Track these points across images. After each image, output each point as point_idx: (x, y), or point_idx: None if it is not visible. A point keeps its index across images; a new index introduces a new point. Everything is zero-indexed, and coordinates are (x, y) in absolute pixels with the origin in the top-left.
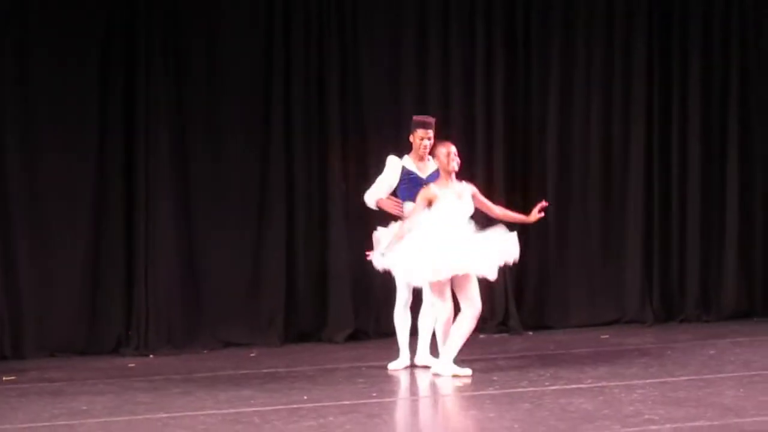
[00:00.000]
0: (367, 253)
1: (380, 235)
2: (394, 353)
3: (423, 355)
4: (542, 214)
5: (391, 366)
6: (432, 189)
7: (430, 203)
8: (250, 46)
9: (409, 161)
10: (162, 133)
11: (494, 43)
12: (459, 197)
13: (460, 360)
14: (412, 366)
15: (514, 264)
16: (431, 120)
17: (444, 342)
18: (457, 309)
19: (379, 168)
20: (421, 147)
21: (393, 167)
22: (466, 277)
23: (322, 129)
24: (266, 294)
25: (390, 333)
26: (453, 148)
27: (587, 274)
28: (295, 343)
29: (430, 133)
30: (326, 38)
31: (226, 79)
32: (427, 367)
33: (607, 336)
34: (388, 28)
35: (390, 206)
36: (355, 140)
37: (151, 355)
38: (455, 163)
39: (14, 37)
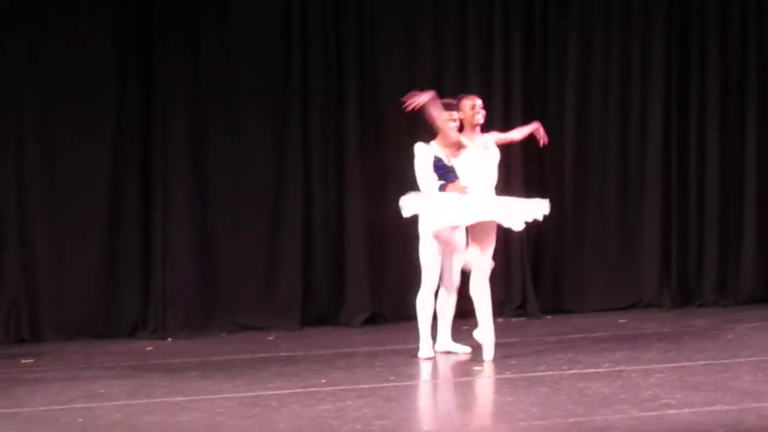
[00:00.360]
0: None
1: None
2: (412, 337)
3: (446, 341)
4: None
5: (420, 354)
6: (460, 137)
7: (458, 148)
8: (267, 29)
9: (436, 147)
10: (179, 116)
11: (512, 32)
12: (485, 148)
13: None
14: (436, 352)
15: (533, 245)
16: (455, 102)
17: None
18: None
19: (396, 152)
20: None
21: (424, 155)
22: (485, 232)
23: (339, 114)
24: (284, 278)
25: (407, 317)
26: (478, 101)
27: (605, 258)
28: (312, 326)
29: (455, 114)
30: (343, 21)
31: (242, 63)
32: (449, 353)
33: (625, 320)
34: (404, 17)
35: (457, 189)
36: (371, 126)
37: (169, 339)
38: (480, 116)
39: (29, 23)
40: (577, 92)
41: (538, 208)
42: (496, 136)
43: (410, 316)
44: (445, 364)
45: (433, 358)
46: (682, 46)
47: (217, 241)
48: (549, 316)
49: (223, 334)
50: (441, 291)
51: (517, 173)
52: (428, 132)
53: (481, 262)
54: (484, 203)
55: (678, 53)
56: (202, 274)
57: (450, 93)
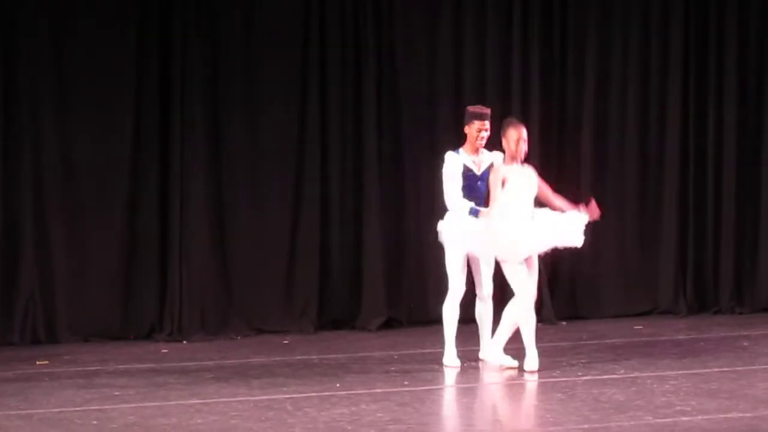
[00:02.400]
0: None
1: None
2: (428, 342)
3: (488, 349)
4: (594, 215)
5: (445, 362)
6: (503, 169)
7: (503, 183)
8: (287, 18)
9: (465, 156)
10: (197, 115)
11: (530, 33)
12: (527, 178)
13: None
14: (477, 359)
15: (548, 251)
16: (487, 111)
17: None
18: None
19: (413, 150)
20: (478, 139)
21: (454, 164)
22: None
23: (357, 118)
24: (300, 281)
25: (423, 321)
26: (524, 133)
27: (621, 264)
28: (328, 330)
29: (487, 124)
30: (362, 15)
31: (262, 62)
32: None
33: (640, 327)
34: (424, 7)
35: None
36: (391, 129)
37: (185, 341)
38: (523, 150)
39: (50, 12)
40: (594, 99)
41: (573, 235)
42: (537, 178)
43: (426, 322)
44: (460, 370)
45: (458, 367)
46: (700, 49)
47: (234, 244)
48: (564, 323)
49: (239, 337)
50: (477, 300)
51: None
52: (458, 139)
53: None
54: (541, 231)
55: (696, 60)
56: (218, 277)
57: (469, 84)
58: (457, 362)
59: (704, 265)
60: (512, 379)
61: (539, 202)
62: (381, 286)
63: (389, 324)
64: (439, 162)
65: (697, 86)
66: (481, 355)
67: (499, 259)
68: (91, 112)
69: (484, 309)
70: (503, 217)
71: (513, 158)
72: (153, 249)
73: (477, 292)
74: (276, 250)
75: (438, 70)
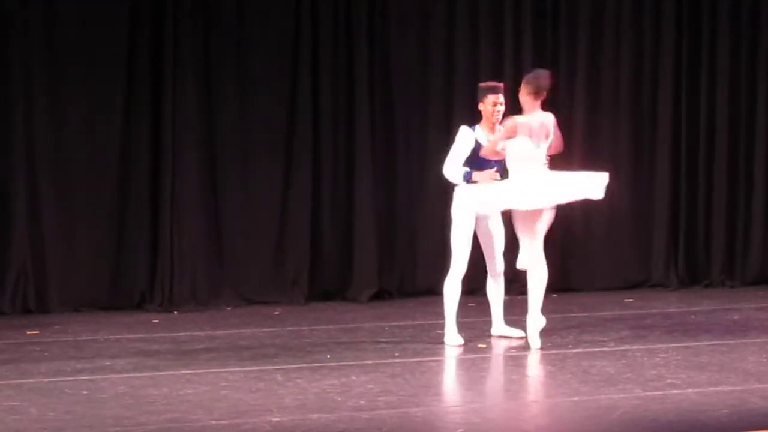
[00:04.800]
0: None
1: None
2: (418, 313)
3: (499, 325)
4: None
5: (446, 341)
6: (516, 119)
7: (513, 134)
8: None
9: (480, 132)
10: (189, 89)
11: (523, 20)
12: (541, 123)
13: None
14: (490, 336)
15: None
16: (500, 84)
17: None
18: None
19: (405, 123)
20: (494, 113)
21: (466, 138)
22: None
23: (349, 91)
24: (291, 252)
25: (413, 293)
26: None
27: (612, 237)
28: (319, 301)
29: (501, 97)
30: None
31: (253, 34)
32: (504, 337)
33: (631, 300)
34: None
35: (485, 178)
36: (383, 102)
37: (175, 312)
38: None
39: None
40: (586, 75)
41: (593, 188)
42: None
43: (417, 293)
44: (449, 341)
45: (461, 345)
46: (692, 27)
47: (225, 215)
48: (555, 295)
49: (230, 308)
50: (488, 278)
51: None
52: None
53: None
54: (549, 186)
55: (688, 35)
56: (209, 248)
57: (461, 63)
58: (460, 340)
59: (695, 238)
60: (503, 351)
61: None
62: (372, 257)
63: (380, 295)
64: (430, 135)
65: (689, 60)
66: (492, 331)
67: (516, 210)
68: (82, 86)
69: (495, 286)
70: (517, 167)
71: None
72: (144, 220)
73: (488, 269)
74: (267, 222)
75: (430, 49)
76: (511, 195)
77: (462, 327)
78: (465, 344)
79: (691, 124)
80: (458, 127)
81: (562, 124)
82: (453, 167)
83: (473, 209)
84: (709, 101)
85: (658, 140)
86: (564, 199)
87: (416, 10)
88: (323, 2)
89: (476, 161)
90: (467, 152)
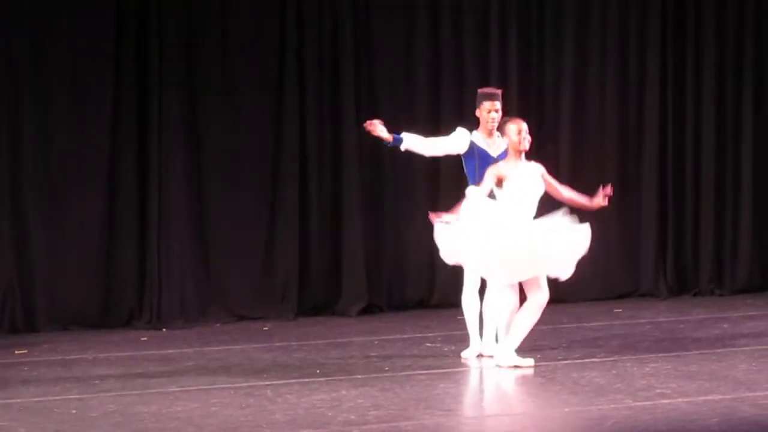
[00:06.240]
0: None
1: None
2: (408, 327)
3: (489, 344)
4: (606, 202)
5: (464, 354)
6: (501, 167)
7: (500, 182)
8: (265, 8)
9: (478, 137)
10: (174, 104)
11: (509, 19)
12: (530, 178)
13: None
14: (480, 355)
15: None
16: (497, 91)
17: (507, 331)
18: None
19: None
20: (489, 120)
21: (460, 136)
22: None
23: (335, 102)
24: (280, 267)
25: (403, 307)
26: (524, 125)
27: (601, 247)
28: (308, 316)
29: (498, 104)
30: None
31: (239, 45)
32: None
33: (620, 309)
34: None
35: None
36: (369, 114)
37: (164, 329)
38: (527, 142)
39: (31, 10)
40: (573, 79)
41: (580, 243)
42: (543, 172)
43: (406, 306)
44: (439, 355)
45: (480, 356)
46: (678, 34)
47: (213, 231)
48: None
49: (219, 324)
50: (487, 295)
51: None
52: (472, 121)
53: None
54: (530, 256)
55: (674, 41)
56: (197, 265)
57: (447, 78)
58: (476, 352)
59: (684, 247)
60: (492, 364)
61: (549, 199)
62: (361, 271)
63: (369, 309)
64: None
65: (675, 71)
66: (482, 350)
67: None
68: (69, 102)
69: (494, 306)
70: (503, 226)
71: (517, 152)
72: (132, 237)
73: (488, 285)
74: (255, 237)
75: (415, 59)
76: (485, 260)
77: (451, 340)
78: (453, 357)
79: (677, 133)
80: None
81: (549, 133)
82: (438, 145)
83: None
84: (695, 110)
85: (644, 149)
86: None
87: (401, 19)
88: (308, 12)
89: (478, 164)
90: (457, 147)
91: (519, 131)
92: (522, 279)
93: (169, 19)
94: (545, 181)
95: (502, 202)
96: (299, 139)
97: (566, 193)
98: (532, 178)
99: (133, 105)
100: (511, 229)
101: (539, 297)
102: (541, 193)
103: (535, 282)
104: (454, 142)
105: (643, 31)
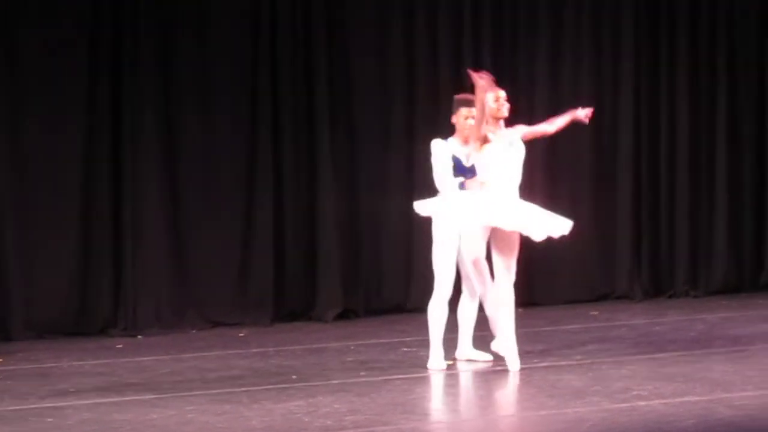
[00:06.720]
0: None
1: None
2: (384, 331)
3: (467, 348)
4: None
5: (429, 366)
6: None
7: (484, 142)
8: (239, 17)
9: (455, 144)
10: (149, 114)
11: (482, 18)
12: (509, 144)
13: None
14: (455, 360)
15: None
16: (474, 97)
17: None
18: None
19: (366, 139)
20: (467, 127)
21: (442, 152)
22: (509, 240)
23: (309, 109)
24: (255, 273)
25: (379, 311)
26: (502, 93)
27: (576, 250)
28: (284, 322)
29: (474, 111)
30: (314, 8)
31: (213, 59)
32: (470, 361)
33: (596, 312)
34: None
35: (476, 185)
36: (343, 121)
37: (140, 336)
38: (505, 109)
39: (4, 23)
40: (547, 82)
41: (561, 226)
42: (523, 131)
43: (383, 311)
44: (415, 359)
45: (444, 370)
46: (651, 37)
47: (187, 238)
48: (520, 309)
49: (194, 331)
50: (462, 297)
51: None
52: (447, 128)
53: (505, 270)
54: (508, 209)
55: (647, 38)
56: (172, 271)
57: (422, 74)
58: (444, 365)
59: (659, 248)
60: (469, 368)
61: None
62: (336, 276)
63: (345, 315)
64: (392, 152)
65: (649, 77)
66: (457, 354)
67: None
68: (42, 112)
69: (468, 308)
70: (489, 190)
71: (495, 119)
72: (106, 244)
73: (465, 288)
74: (230, 243)
75: (389, 66)
76: (496, 212)
77: (428, 345)
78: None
79: (651, 133)
80: (419, 142)
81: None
82: (448, 180)
83: (455, 227)
84: (669, 111)
85: (619, 150)
86: (502, 226)
87: (375, 26)
88: (282, 20)
89: (456, 173)
90: (449, 161)
91: (497, 98)
92: (498, 225)
93: (143, 28)
94: (526, 135)
95: (483, 171)
96: (273, 147)
97: (550, 126)
98: (512, 145)
99: (107, 114)
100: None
101: (506, 281)
102: (522, 156)
103: (505, 264)
104: (446, 156)
105: (616, 30)
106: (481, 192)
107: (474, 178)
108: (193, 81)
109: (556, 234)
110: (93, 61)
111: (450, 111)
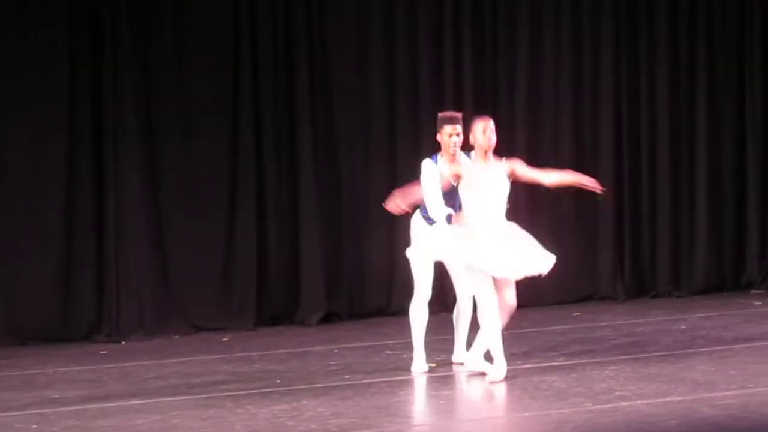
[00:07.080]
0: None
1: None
2: (367, 335)
3: (462, 352)
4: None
5: (413, 369)
6: (461, 166)
7: (457, 179)
8: (219, 24)
9: (443, 164)
10: (130, 119)
11: (462, 18)
12: (495, 177)
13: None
14: (451, 363)
15: None
16: (458, 115)
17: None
18: None
19: (348, 144)
20: (451, 144)
21: (432, 171)
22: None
23: (291, 114)
24: (238, 278)
25: (362, 315)
26: (491, 124)
27: (559, 251)
28: (267, 326)
29: (459, 128)
30: (293, 6)
31: (193, 65)
32: (461, 364)
33: (579, 313)
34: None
35: (460, 220)
36: (324, 127)
37: (123, 342)
38: (493, 141)
39: None
40: (527, 86)
41: (542, 263)
42: (518, 168)
43: (366, 315)
44: (399, 363)
45: (427, 373)
46: (631, 35)
47: (170, 243)
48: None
49: (178, 336)
50: (458, 304)
51: None
52: (431, 146)
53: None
54: (489, 250)
55: (626, 43)
56: (156, 277)
57: (401, 77)
58: (426, 367)
59: (641, 249)
60: (453, 370)
61: (532, 187)
62: (319, 280)
63: (329, 318)
64: (373, 157)
65: (629, 78)
66: (454, 358)
67: (466, 268)
68: (24, 121)
69: (463, 312)
70: (472, 226)
71: (483, 151)
72: (90, 250)
73: (457, 292)
74: (212, 248)
75: (370, 73)
76: (480, 256)
77: (411, 347)
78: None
79: (633, 135)
80: (401, 147)
81: (505, 139)
82: (438, 205)
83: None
84: (649, 111)
85: (600, 153)
86: (520, 274)
87: (355, 34)
88: (262, 30)
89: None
90: (439, 181)
91: (484, 131)
92: (510, 277)
93: (124, 35)
94: (518, 175)
95: (466, 205)
96: (256, 152)
97: (551, 178)
98: (496, 178)
99: (89, 121)
100: (481, 223)
101: (492, 298)
102: (506, 191)
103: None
104: (436, 178)
105: (595, 31)
106: (465, 228)
107: (458, 214)
108: (174, 88)
109: (535, 273)
110: (74, 69)
111: (434, 129)
